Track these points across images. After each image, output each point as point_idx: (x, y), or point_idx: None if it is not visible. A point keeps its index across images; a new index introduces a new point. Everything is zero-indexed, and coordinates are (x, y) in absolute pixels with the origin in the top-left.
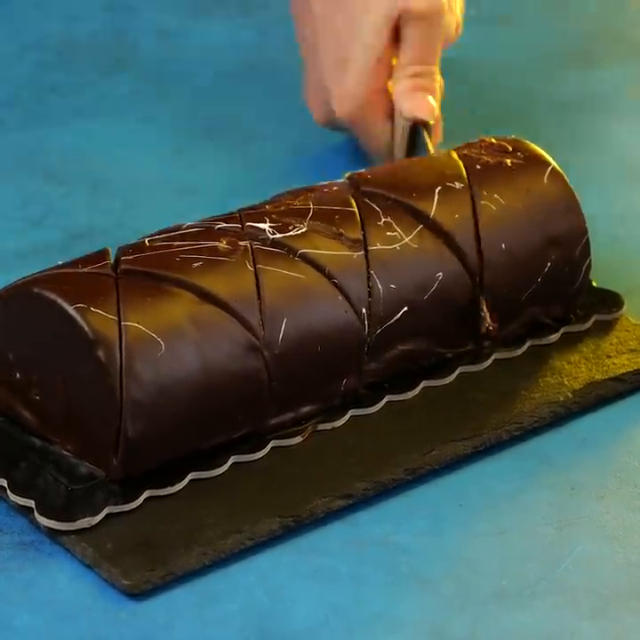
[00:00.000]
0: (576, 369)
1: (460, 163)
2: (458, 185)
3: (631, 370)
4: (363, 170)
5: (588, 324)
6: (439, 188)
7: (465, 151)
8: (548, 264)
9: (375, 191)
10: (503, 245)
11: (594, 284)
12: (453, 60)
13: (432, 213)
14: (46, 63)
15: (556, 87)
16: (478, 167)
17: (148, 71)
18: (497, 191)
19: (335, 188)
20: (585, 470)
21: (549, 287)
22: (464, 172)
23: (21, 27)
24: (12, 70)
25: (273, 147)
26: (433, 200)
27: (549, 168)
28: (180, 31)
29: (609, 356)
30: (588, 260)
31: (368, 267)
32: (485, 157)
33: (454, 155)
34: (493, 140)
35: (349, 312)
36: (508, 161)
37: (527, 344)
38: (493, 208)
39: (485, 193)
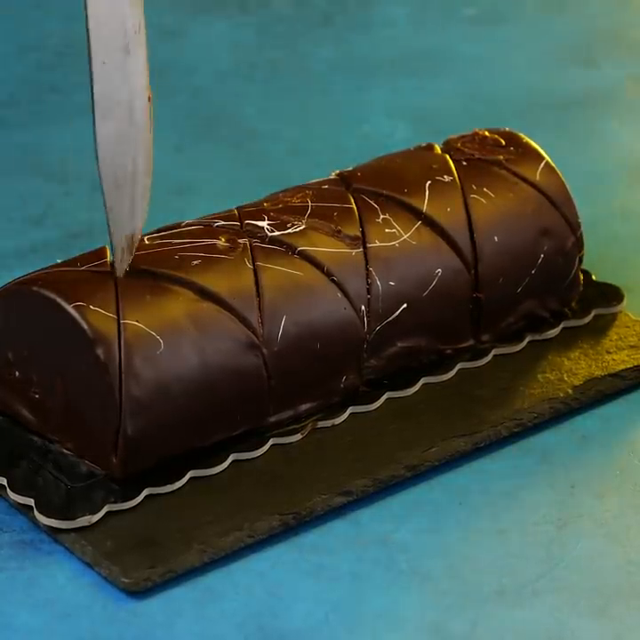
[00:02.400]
0: (576, 365)
1: (447, 156)
2: (447, 178)
3: (631, 366)
4: (351, 168)
5: (588, 319)
6: (429, 182)
7: (458, 144)
8: (542, 256)
9: (367, 188)
10: (496, 238)
11: (593, 277)
12: (452, 59)
13: (424, 208)
14: (46, 63)
15: (556, 86)
16: (465, 163)
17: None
18: (486, 185)
19: (330, 186)
20: (585, 468)
21: (544, 279)
22: (452, 166)
23: (21, 27)
24: (12, 70)
25: (272, 145)
26: (424, 195)
27: (543, 162)
28: (179, 30)
29: (609, 352)
30: (581, 253)
31: (367, 264)
32: (477, 153)
33: (437, 148)
34: (487, 134)
35: (348, 309)
36: (502, 157)
37: (526, 339)
38: (484, 202)
39: (474, 187)
